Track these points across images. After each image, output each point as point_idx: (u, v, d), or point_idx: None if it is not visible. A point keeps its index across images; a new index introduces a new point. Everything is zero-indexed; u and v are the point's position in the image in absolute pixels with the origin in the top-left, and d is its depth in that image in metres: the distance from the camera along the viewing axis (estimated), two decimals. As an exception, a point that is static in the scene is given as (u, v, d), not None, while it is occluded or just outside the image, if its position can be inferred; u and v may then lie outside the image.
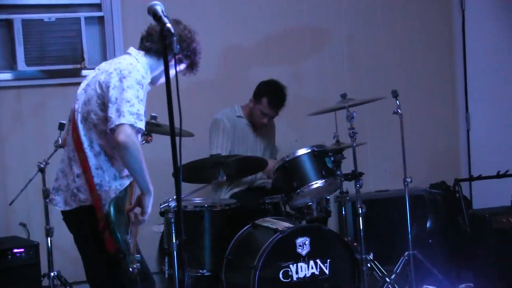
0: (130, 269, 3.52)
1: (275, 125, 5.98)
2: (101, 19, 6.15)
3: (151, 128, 4.73)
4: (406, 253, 5.47)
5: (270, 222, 4.95)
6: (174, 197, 3.87)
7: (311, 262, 4.74)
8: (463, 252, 5.80)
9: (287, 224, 4.84)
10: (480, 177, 6.15)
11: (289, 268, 4.69)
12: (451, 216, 6.10)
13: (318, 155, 5.07)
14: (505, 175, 5.99)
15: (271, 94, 5.66)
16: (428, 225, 6.18)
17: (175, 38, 2.95)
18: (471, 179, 6.40)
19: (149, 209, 3.60)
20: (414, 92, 6.70)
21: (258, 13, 6.49)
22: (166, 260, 4.90)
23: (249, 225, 5.00)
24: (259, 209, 5.19)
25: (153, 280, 3.87)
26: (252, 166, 5.24)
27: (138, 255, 3.62)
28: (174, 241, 4.44)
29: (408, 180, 5.48)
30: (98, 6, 6.15)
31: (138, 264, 3.57)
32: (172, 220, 4.49)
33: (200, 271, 4.97)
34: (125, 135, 3.42)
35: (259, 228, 4.94)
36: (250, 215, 5.10)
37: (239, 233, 4.97)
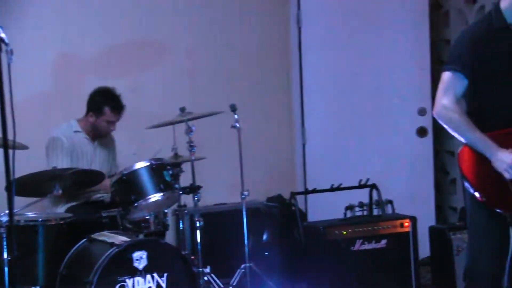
0: None
1: (115, 139, 5.94)
2: None
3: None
4: (243, 265, 5.54)
5: (107, 236, 4.88)
6: (6, 211, 3.76)
7: (148, 276, 4.70)
8: (298, 264, 5.93)
9: (124, 238, 4.80)
10: (314, 191, 6.31)
11: (126, 282, 4.62)
12: (287, 228, 6.22)
13: (156, 168, 5.07)
14: (338, 188, 6.16)
15: (110, 102, 5.65)
16: (264, 237, 6.27)
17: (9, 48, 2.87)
18: (306, 192, 6.55)
19: None
20: (252, 107, 6.78)
21: (97, 23, 6.40)
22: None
23: (85, 240, 4.91)
24: (96, 223, 5.12)
25: None
26: (89, 179, 5.17)
27: None
28: (5, 257, 4.31)
29: (245, 193, 5.56)
30: None
31: None
32: (4, 235, 4.36)
33: (33, 287, 4.84)
34: None
35: (95, 243, 4.87)
36: (87, 229, 5.02)
37: (74, 247, 4.88)
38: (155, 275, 4.73)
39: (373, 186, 6.15)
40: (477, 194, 3.87)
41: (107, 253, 4.61)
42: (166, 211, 5.22)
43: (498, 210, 3.87)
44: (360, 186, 6.20)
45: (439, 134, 7.04)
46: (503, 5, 3.90)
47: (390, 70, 6.90)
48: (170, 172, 5.12)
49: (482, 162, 3.87)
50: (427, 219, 6.48)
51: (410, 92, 6.92)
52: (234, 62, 6.87)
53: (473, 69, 3.89)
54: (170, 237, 6.06)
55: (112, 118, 5.67)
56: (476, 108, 3.96)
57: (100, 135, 5.76)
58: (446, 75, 3.95)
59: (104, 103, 5.64)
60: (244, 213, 5.54)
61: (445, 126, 3.96)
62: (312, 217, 6.64)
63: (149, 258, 4.71)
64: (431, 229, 6.05)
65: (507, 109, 3.92)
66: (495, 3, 3.98)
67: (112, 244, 4.67)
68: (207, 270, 5.32)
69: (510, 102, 3.92)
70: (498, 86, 3.92)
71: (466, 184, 3.93)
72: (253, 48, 6.93)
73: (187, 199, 5.53)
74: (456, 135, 3.95)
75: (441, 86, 3.96)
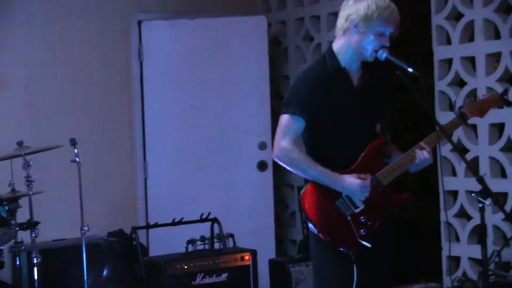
0: None
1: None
2: None
3: None
4: (82, 302, 5.46)
5: None
6: None
7: (-18, 316, 4.58)
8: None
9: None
10: (156, 225, 6.30)
11: (-42, 323, 4.48)
12: (128, 263, 6.16)
13: (-8, 204, 4.94)
14: (180, 222, 6.17)
15: None
16: (105, 273, 6.18)
17: None
18: (147, 226, 6.52)
19: None
20: (94, 141, 6.71)
21: None
22: None
23: None
24: None
25: None
26: None
27: None
28: None
29: (85, 228, 5.50)
30: None
31: None
32: None
33: None
34: None
35: None
36: None
37: None
38: (-11, 314, 4.60)
39: (215, 220, 6.20)
40: (320, 235, 3.93)
41: None
42: (1, 248, 5.09)
43: (341, 249, 3.93)
44: (202, 220, 6.23)
45: (279, 168, 7.15)
46: (335, 47, 4.01)
47: (232, 105, 6.99)
48: (6, 207, 5.02)
49: (324, 201, 3.92)
50: (267, 252, 6.59)
51: (251, 126, 7.03)
52: (75, 95, 6.79)
53: (311, 111, 3.93)
54: (6, 275, 5.89)
55: None
56: (313, 149, 4.00)
57: None
58: (284, 118, 3.97)
59: None
60: (83, 248, 5.48)
61: (287, 167, 3.97)
62: (154, 251, 6.61)
63: (-17, 297, 4.57)
64: (271, 262, 6.15)
65: (342, 151, 4.00)
66: (329, 45, 4.09)
67: None
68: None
69: (345, 144, 3.99)
70: (334, 128, 3.98)
71: (310, 225, 3.96)
72: (95, 81, 6.87)
73: (24, 235, 5.40)
74: (299, 173, 3.96)
75: (279, 129, 3.97)
